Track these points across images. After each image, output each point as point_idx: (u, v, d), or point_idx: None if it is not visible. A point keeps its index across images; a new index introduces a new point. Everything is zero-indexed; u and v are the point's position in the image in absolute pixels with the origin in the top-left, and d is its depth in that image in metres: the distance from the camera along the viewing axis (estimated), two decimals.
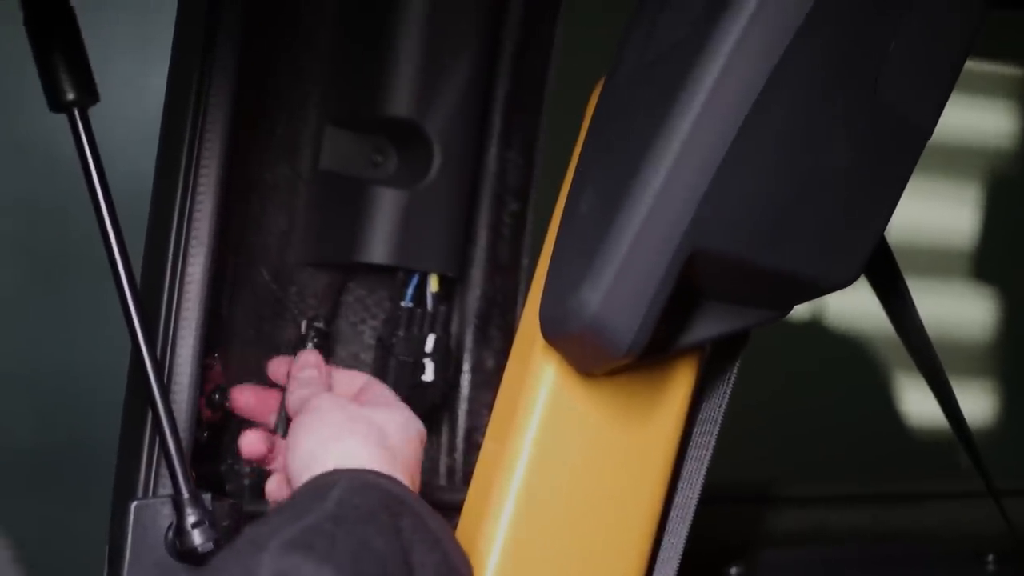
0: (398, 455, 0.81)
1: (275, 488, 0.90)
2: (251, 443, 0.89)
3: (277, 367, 0.96)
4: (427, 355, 0.99)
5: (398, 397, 0.90)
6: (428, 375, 0.98)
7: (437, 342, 0.99)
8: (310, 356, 0.94)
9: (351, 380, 0.93)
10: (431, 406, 1.01)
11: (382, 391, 0.90)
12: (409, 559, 0.72)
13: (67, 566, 1.94)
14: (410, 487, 0.80)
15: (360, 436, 0.81)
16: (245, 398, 0.94)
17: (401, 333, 0.99)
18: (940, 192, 2.09)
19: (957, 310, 2.11)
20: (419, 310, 0.99)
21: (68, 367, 1.98)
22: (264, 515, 0.74)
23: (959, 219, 2.15)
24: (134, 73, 1.73)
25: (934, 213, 2.07)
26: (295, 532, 0.68)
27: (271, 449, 0.90)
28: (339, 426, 0.82)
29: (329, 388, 0.92)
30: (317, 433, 0.81)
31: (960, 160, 2.09)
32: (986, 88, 2.09)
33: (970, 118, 2.07)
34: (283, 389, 0.93)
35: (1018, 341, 2.22)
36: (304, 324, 0.98)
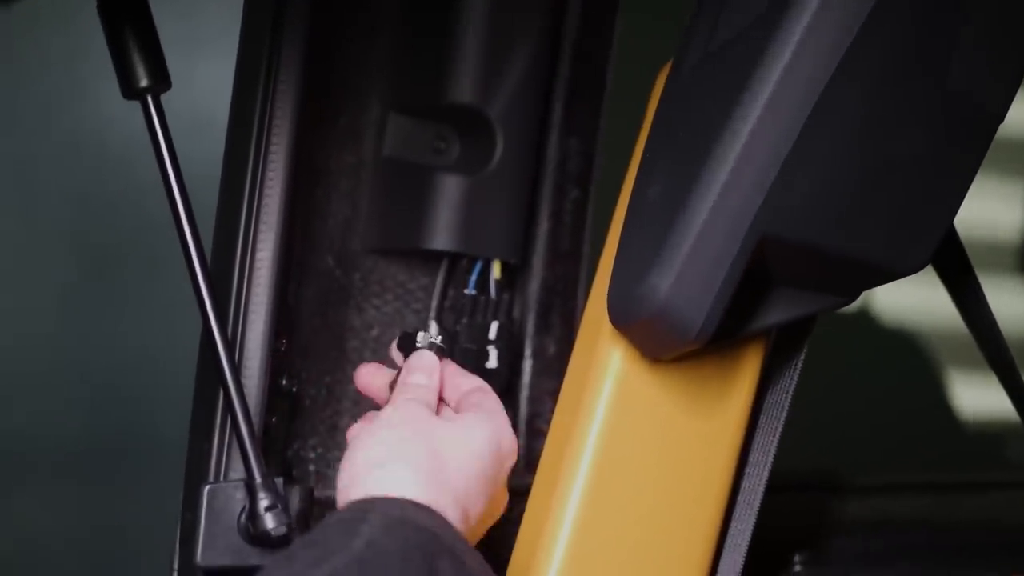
0: (452, 483, 0.77)
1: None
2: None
3: (367, 377, 0.92)
4: (491, 342, 0.99)
5: (501, 406, 0.85)
6: (492, 362, 0.99)
7: (500, 329, 0.99)
8: (423, 359, 0.89)
9: (459, 383, 0.88)
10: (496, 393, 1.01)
11: (483, 399, 0.85)
12: None
13: (118, 555, 1.96)
14: (461, 516, 0.76)
15: (409, 462, 0.76)
16: (367, 378, 0.92)
17: (465, 321, 0.99)
18: (991, 186, 2.07)
19: (1010, 305, 2.09)
20: (482, 297, 1.00)
21: (118, 359, 2.00)
22: (291, 546, 0.70)
23: (1009, 213, 2.13)
24: (180, 64, 1.74)
25: (986, 208, 2.05)
26: None
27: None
28: (392, 447, 0.77)
29: (435, 400, 0.86)
30: (367, 451, 0.77)
31: (1011, 153, 2.07)
32: None
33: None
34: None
35: None
36: (421, 335, 0.93)
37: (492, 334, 0.99)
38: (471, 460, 0.79)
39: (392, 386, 0.89)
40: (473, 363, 0.97)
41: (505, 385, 1.02)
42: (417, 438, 0.78)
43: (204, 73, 1.70)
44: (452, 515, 0.75)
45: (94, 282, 2.00)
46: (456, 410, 0.85)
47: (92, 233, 2.00)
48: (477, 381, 0.89)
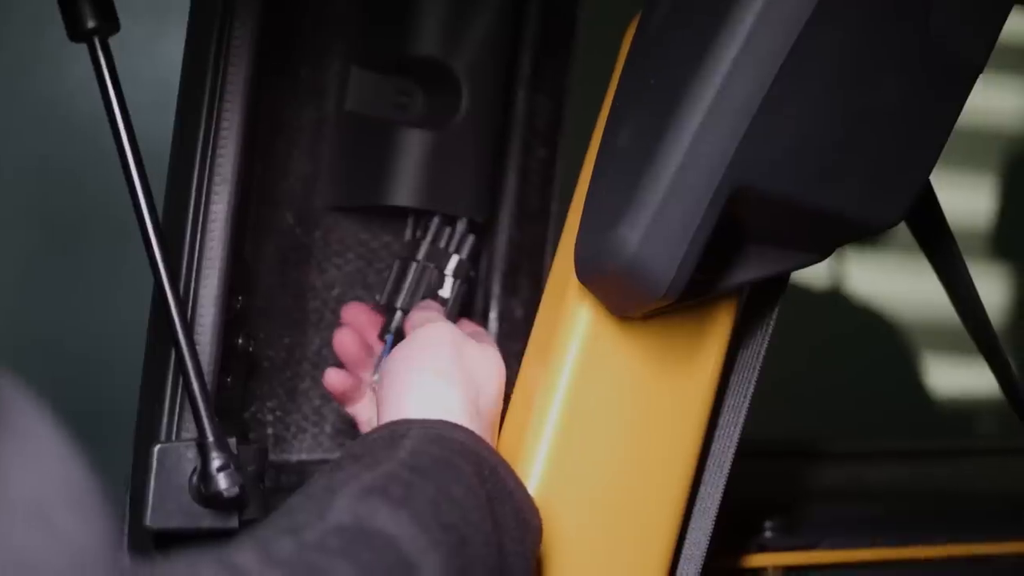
0: (485, 409, 0.80)
1: (365, 422, 0.90)
2: (334, 380, 0.88)
3: (355, 314, 0.94)
4: (447, 273, 0.95)
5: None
6: (446, 291, 0.95)
7: (459, 265, 0.95)
8: (430, 304, 0.93)
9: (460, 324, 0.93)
10: None
11: (480, 334, 0.90)
12: (492, 508, 0.71)
13: None
14: (490, 438, 0.79)
15: (458, 386, 0.79)
16: (355, 313, 0.94)
17: (427, 241, 0.95)
18: (957, 174, 2.06)
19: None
20: (447, 228, 0.96)
21: (85, 332, 1.97)
22: (333, 461, 0.72)
23: (976, 201, 2.12)
24: (150, 38, 1.71)
25: (949, 197, 2.05)
26: (371, 478, 0.66)
27: (355, 388, 0.89)
28: (442, 369, 0.79)
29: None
30: (419, 369, 0.79)
31: (976, 141, 2.06)
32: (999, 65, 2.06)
33: (984, 97, 2.03)
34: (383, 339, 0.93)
35: None
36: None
37: (450, 267, 0.95)
38: (494, 386, 0.82)
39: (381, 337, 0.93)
40: (428, 284, 0.94)
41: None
42: (461, 362, 0.80)
43: (176, 49, 1.67)
44: (484, 435, 0.78)
45: (59, 253, 1.97)
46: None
47: (57, 203, 1.96)
48: (474, 325, 0.94)
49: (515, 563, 0.71)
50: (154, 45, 1.69)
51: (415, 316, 0.89)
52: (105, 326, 1.95)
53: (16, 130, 1.93)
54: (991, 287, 2.15)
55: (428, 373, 0.79)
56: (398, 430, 0.73)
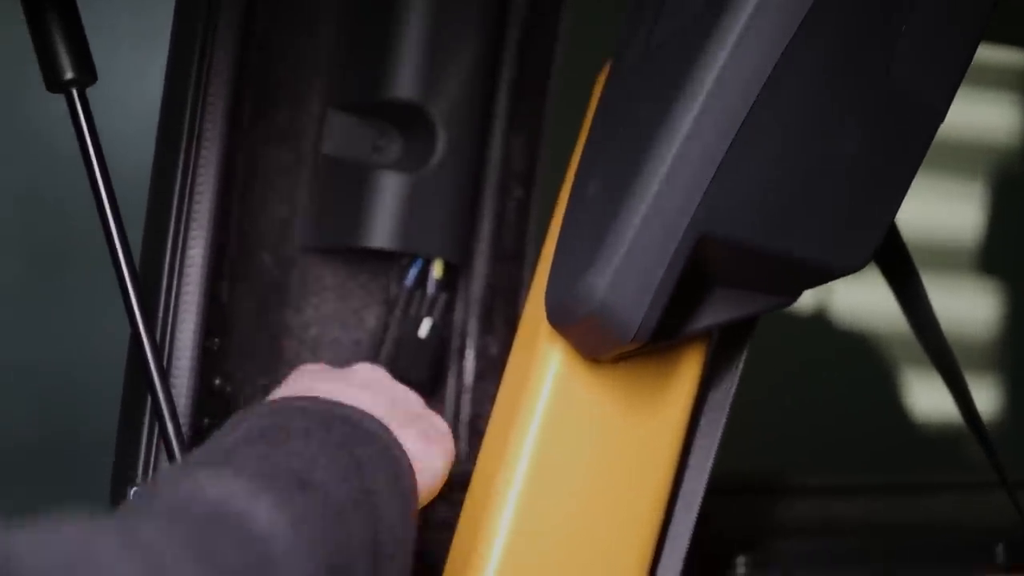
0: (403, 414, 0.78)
1: None
2: None
3: None
4: (421, 341, 0.97)
5: None
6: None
7: (433, 329, 0.97)
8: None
9: None
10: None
11: None
12: (354, 452, 0.67)
13: None
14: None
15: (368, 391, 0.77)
16: None
17: (398, 313, 0.97)
18: (944, 188, 2.08)
19: (963, 306, 2.09)
20: (419, 291, 0.98)
21: (68, 360, 1.97)
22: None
23: (963, 216, 2.14)
24: (137, 66, 1.72)
25: (939, 210, 2.06)
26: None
27: None
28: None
29: None
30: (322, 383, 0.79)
31: (964, 155, 2.08)
32: (990, 81, 2.07)
33: (973, 112, 2.05)
34: None
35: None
36: None
37: (423, 332, 0.97)
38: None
39: None
40: (408, 356, 0.95)
41: (431, 389, 1.00)
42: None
43: (162, 75, 1.67)
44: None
45: (42, 280, 1.97)
46: None
47: (40, 231, 1.97)
48: None
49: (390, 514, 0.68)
50: (141, 71, 1.70)
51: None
52: (86, 353, 1.95)
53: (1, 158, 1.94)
54: (980, 302, 2.15)
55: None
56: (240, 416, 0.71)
